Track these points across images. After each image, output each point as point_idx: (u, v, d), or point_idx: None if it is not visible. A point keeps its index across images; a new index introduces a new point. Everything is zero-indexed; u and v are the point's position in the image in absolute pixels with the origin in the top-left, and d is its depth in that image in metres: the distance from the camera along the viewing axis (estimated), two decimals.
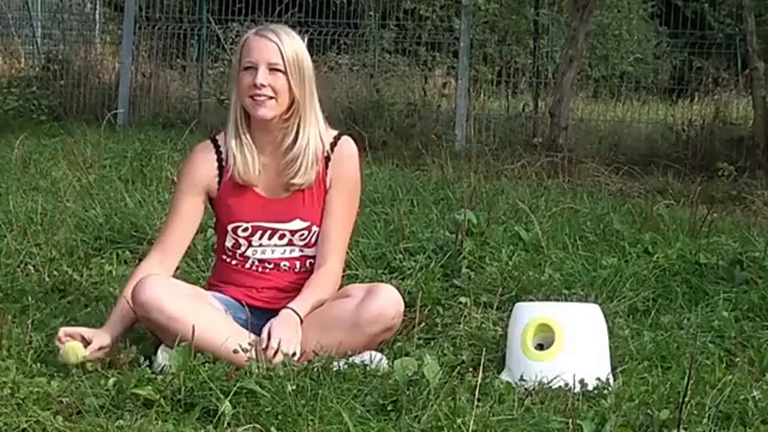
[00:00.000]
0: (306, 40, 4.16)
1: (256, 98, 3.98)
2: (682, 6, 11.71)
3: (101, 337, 3.87)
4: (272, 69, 3.97)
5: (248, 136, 4.05)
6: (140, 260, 4.31)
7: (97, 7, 14.06)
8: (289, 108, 4.02)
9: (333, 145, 4.11)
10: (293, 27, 4.18)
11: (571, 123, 10.55)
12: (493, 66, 12.82)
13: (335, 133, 4.14)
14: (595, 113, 11.87)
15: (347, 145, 4.14)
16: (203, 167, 4.10)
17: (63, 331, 3.85)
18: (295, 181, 4.04)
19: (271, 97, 3.98)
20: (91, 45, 13.11)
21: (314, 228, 4.10)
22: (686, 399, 3.39)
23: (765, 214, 7.58)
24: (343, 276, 4.24)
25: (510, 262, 5.20)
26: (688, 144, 10.34)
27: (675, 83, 12.77)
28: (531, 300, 4.61)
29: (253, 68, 3.97)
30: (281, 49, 3.98)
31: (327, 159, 4.09)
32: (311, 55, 4.12)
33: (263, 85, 3.96)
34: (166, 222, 4.17)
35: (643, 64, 14.07)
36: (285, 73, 3.98)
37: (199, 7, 12.71)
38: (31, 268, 5.04)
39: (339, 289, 4.16)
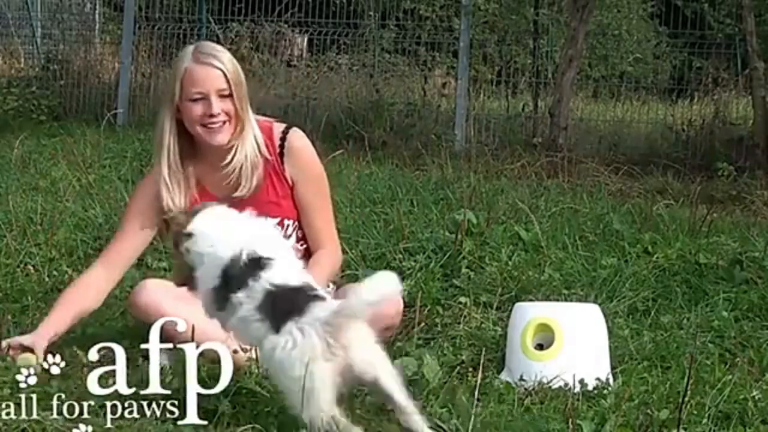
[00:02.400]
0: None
1: (210, 126, 3.94)
2: (681, 6, 11.71)
3: (39, 344, 3.80)
4: (221, 95, 3.94)
5: (179, 164, 4.00)
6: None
7: (97, 7, 14.04)
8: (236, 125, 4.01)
9: (282, 140, 4.07)
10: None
11: (571, 123, 10.55)
12: (493, 66, 12.81)
13: (282, 127, 4.11)
14: (595, 113, 11.87)
15: (296, 138, 4.09)
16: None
17: (4, 343, 3.79)
18: (237, 194, 4.01)
19: (224, 122, 3.96)
20: (91, 45, 13.10)
21: (286, 222, 4.09)
22: (686, 399, 3.39)
23: (765, 214, 7.58)
24: (342, 276, 4.24)
25: (510, 262, 5.20)
26: (687, 144, 10.35)
27: (675, 83, 12.76)
28: (531, 300, 4.62)
29: (204, 98, 3.93)
30: (226, 73, 3.94)
31: (281, 155, 4.07)
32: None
33: (218, 114, 3.94)
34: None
35: (642, 64, 14.06)
36: (232, 96, 3.95)
37: (198, 7, 12.70)
38: (31, 268, 5.05)
39: (340, 277, 4.18)
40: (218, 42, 12.73)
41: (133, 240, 4.08)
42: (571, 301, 4.73)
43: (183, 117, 3.96)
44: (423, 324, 4.41)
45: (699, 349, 4.14)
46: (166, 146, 3.99)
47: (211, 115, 3.92)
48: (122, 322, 4.36)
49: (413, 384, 3.60)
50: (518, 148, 9.62)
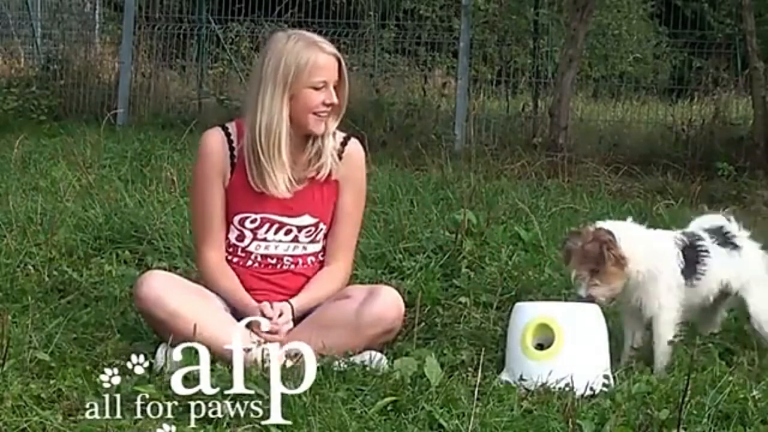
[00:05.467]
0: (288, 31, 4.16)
1: (321, 114, 3.99)
2: (682, 6, 11.71)
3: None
4: (334, 86, 4.01)
5: (282, 151, 4.00)
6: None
7: (97, 7, 14.05)
8: None
9: (343, 144, 4.13)
10: (293, 27, 4.19)
11: (571, 123, 10.55)
12: (493, 66, 12.82)
13: (342, 135, 4.16)
14: (595, 113, 11.87)
15: (356, 147, 4.17)
16: (220, 157, 4.06)
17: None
18: (323, 172, 4.06)
19: (329, 112, 4.02)
20: (91, 45, 13.11)
21: (321, 225, 4.11)
22: (686, 399, 3.39)
23: (765, 214, 7.57)
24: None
25: (510, 262, 5.20)
26: (687, 144, 10.35)
27: (675, 83, 12.77)
28: (531, 300, 4.61)
29: (324, 87, 3.98)
30: (342, 66, 4.03)
31: (339, 157, 4.11)
32: None
33: (333, 103, 4.00)
34: (203, 220, 4.11)
35: (642, 64, 14.07)
36: (338, 88, 4.02)
37: (198, 7, 12.70)
38: (31, 268, 5.04)
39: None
40: (218, 42, 12.78)
41: (222, 213, 4.08)
42: (571, 301, 4.73)
43: (295, 103, 3.96)
44: (423, 324, 4.41)
45: (699, 349, 4.14)
46: (285, 133, 3.98)
47: (326, 104, 3.97)
48: (122, 321, 4.36)
49: (413, 384, 3.60)
50: (518, 148, 9.61)
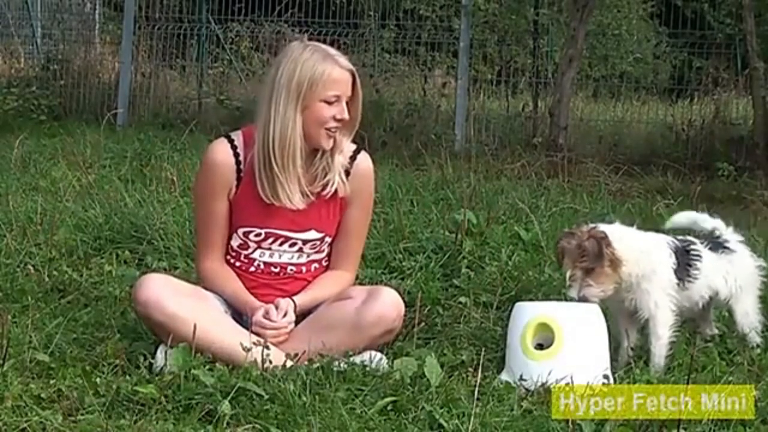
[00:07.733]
0: (306, 39, 4.14)
1: (332, 129, 3.96)
2: (682, 6, 11.71)
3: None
4: (346, 102, 3.99)
5: (297, 162, 3.97)
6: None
7: (97, 7, 14.05)
8: None
9: (352, 158, 4.10)
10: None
11: (571, 123, 10.55)
12: (493, 66, 12.82)
13: (353, 147, 4.12)
14: (595, 113, 11.87)
15: (365, 162, 4.13)
16: (226, 169, 4.02)
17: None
18: (328, 189, 4.03)
19: (339, 128, 3.99)
20: (91, 45, 13.11)
21: (327, 239, 4.10)
22: (686, 399, 3.39)
23: (765, 214, 7.57)
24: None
25: (510, 262, 5.20)
26: (687, 144, 10.35)
27: (675, 83, 12.77)
28: (531, 300, 4.61)
29: (337, 102, 3.95)
30: (356, 80, 4.01)
31: (347, 173, 4.08)
32: None
33: (345, 119, 3.97)
34: (206, 231, 4.09)
35: (643, 64, 14.07)
36: (352, 103, 4.01)
37: (199, 7, 12.70)
38: (31, 268, 5.04)
39: None
40: (218, 42, 12.78)
41: (225, 225, 4.06)
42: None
43: (307, 115, 3.93)
44: (423, 324, 4.41)
45: (699, 349, 4.14)
46: (299, 144, 3.94)
47: (337, 119, 3.94)
48: (122, 321, 4.37)
49: (413, 384, 3.60)
50: (518, 148, 9.61)
